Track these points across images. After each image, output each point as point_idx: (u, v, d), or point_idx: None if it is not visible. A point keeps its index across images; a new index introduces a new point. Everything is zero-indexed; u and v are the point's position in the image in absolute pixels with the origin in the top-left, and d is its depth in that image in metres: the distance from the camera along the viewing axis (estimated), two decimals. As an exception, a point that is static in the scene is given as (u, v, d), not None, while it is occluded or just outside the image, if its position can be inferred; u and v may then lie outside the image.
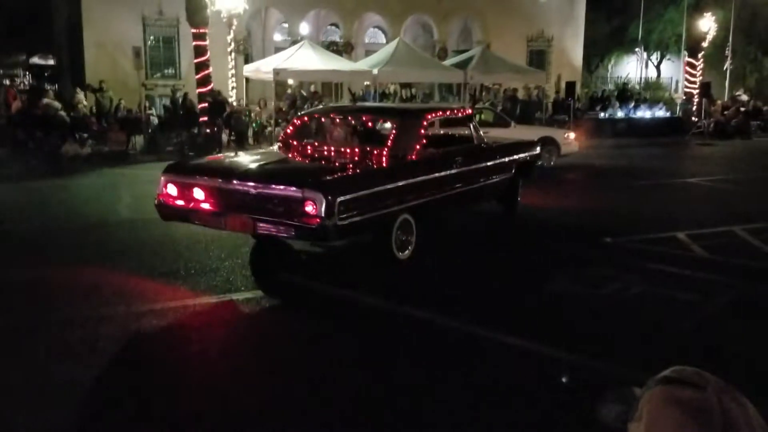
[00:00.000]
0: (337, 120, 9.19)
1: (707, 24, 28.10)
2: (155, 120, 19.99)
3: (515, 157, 9.89)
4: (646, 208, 11.41)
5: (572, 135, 17.33)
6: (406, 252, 7.42)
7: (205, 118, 18.85)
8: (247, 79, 23.88)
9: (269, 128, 19.92)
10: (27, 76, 32.25)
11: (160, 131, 19.20)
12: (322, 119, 9.50)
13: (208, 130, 18.62)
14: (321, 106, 16.55)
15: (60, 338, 5.02)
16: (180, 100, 19.67)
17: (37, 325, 5.31)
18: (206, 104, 19.12)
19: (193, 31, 19.15)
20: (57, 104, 17.89)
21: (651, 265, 7.35)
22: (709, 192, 13.40)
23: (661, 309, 5.98)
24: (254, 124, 20.33)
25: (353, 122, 8.87)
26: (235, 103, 21.21)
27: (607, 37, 39.97)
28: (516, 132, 14.60)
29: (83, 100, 18.99)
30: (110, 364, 4.54)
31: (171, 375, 4.42)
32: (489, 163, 9.22)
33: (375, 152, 7.60)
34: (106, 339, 4.99)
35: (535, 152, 10.69)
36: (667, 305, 6.07)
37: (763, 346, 5.18)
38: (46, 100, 17.73)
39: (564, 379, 4.65)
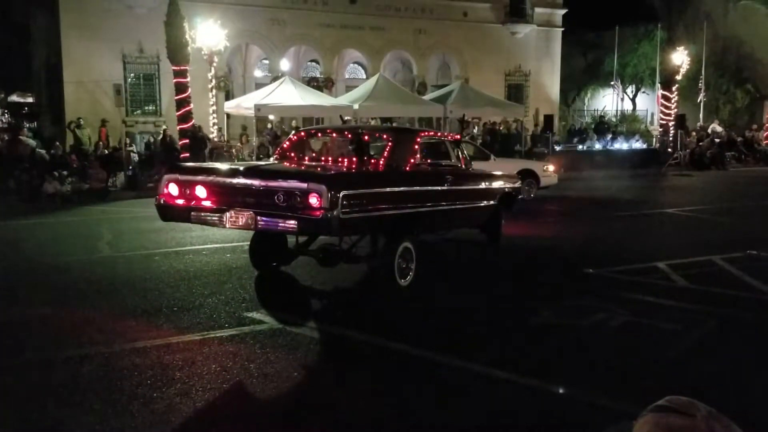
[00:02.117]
0: (334, 135, 9.49)
1: (680, 58, 28.72)
2: (135, 157, 19.97)
3: (499, 185, 10.16)
4: (626, 238, 11.54)
5: (551, 167, 17.54)
6: (408, 278, 7.72)
7: (187, 155, 18.86)
8: (228, 115, 23.97)
9: (251, 163, 19.96)
10: (5, 114, 32.11)
11: (141, 168, 19.16)
12: (319, 135, 9.80)
13: (189, 166, 18.63)
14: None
15: (41, 378, 4.94)
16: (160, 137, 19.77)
17: (17, 366, 5.22)
18: (187, 140, 19.15)
19: (174, 68, 19.25)
20: (32, 142, 17.83)
21: (633, 295, 7.41)
22: (688, 222, 13.58)
23: (645, 339, 6.02)
24: (236, 160, 20.37)
25: (350, 137, 8.98)
26: (216, 139, 21.25)
27: (583, 72, 40.84)
28: (496, 165, 14.72)
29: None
30: (93, 405, 4.47)
31: (155, 414, 4.35)
32: (476, 186, 9.58)
33: (372, 162, 8.06)
34: (88, 379, 4.91)
35: (516, 185, 10.90)
36: (651, 335, 6.11)
37: (745, 375, 5.22)
38: (21, 138, 17.68)
39: (560, 390, 4.68)
